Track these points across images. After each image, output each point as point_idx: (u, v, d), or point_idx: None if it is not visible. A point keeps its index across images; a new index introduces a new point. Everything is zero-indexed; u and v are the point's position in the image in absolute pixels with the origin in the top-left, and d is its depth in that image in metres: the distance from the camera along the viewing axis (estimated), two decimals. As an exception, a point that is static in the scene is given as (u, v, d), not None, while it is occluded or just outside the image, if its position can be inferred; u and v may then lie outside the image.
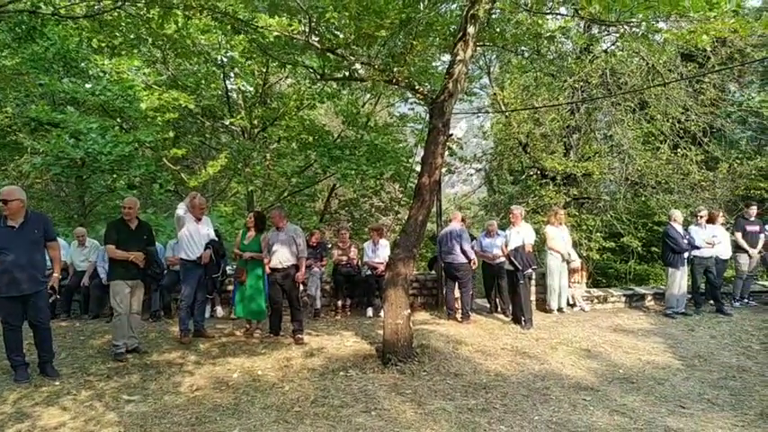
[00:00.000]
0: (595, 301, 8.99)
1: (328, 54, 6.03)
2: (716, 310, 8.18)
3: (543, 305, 8.60)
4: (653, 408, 4.49)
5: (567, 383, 5.14)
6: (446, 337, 6.75)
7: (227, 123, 11.66)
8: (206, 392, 4.84)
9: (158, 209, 12.26)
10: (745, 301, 8.82)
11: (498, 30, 6.49)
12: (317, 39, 5.79)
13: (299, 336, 6.58)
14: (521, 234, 7.57)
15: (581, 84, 11.99)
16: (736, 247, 8.67)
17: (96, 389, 4.91)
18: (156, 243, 8.03)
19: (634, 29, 6.02)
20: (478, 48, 7.86)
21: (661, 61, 11.20)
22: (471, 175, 17.49)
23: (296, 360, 5.83)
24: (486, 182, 17.63)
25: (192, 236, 6.57)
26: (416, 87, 6.25)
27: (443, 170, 12.72)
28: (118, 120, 10.55)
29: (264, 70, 11.05)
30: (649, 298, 9.11)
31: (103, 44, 8.21)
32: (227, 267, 7.98)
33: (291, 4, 5.28)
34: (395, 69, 5.96)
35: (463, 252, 7.75)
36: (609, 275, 13.87)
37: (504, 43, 6.87)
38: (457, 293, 8.06)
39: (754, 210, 8.91)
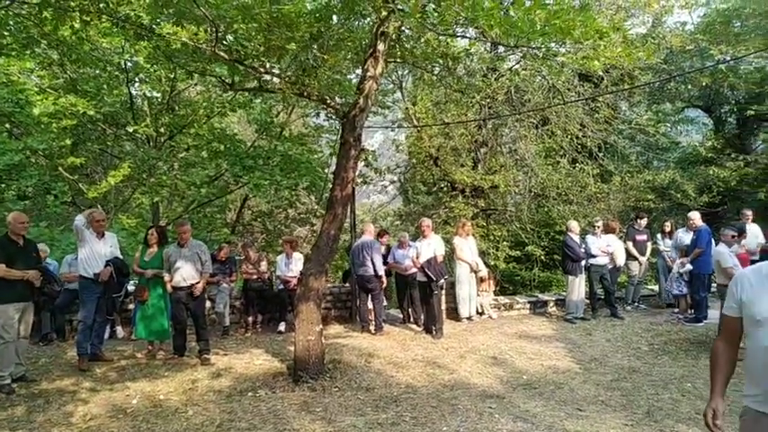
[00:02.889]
0: (502, 308, 9.36)
1: (237, 64, 5.89)
2: (611, 314, 8.76)
3: (454, 314, 8.82)
4: (553, 412, 4.72)
5: (474, 392, 5.30)
6: (359, 351, 6.76)
7: (131, 131, 11.04)
8: (101, 422, 4.54)
9: (53, 222, 11.39)
10: (636, 304, 9.54)
11: (408, 47, 6.63)
12: (224, 49, 5.63)
13: (206, 355, 6.33)
14: (432, 245, 7.77)
15: (488, 100, 12.49)
16: (628, 255, 9.34)
17: (-27, 424, 4.47)
18: (51, 259, 7.48)
19: (534, 51, 6.36)
20: (391, 63, 7.99)
21: (560, 81, 11.92)
22: (386, 186, 17.71)
23: (201, 382, 5.61)
24: (401, 192, 17.91)
25: (93, 252, 6.15)
26: (327, 101, 6.25)
27: (359, 181, 12.79)
28: (6, 125, 9.71)
29: (172, 76, 10.60)
30: (551, 304, 9.61)
31: (-12, 44, 7.57)
32: (128, 285, 7.54)
33: (198, 12, 5.10)
34: (306, 82, 5.92)
35: (373, 264, 7.80)
36: (515, 283, 14.45)
37: (414, 60, 7.03)
38: (370, 305, 8.10)
39: (644, 221, 9.68)
